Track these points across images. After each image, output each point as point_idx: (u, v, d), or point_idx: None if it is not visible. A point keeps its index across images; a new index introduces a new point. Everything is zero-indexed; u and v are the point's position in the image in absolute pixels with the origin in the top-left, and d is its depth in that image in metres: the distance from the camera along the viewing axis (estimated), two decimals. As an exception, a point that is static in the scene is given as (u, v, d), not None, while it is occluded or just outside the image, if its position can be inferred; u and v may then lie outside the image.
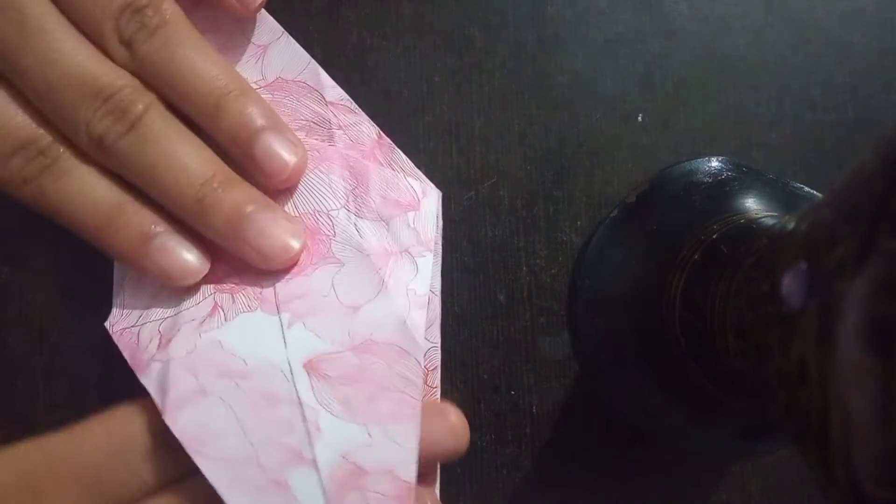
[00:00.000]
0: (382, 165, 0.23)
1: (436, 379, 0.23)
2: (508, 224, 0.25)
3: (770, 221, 0.21)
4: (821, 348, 0.12)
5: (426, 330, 0.22)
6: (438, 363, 0.23)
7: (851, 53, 0.26)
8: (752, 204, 0.23)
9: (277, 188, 0.22)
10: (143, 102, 0.20)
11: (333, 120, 0.23)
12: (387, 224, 0.23)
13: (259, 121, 0.21)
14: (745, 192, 0.24)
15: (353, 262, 0.22)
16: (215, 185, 0.20)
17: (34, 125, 0.20)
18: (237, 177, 0.21)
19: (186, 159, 0.20)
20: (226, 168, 0.21)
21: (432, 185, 0.24)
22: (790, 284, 0.14)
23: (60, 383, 0.24)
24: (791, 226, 0.15)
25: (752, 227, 0.21)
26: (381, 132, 0.24)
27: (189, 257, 0.21)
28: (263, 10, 0.23)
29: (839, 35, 0.26)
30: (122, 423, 0.19)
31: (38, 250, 0.24)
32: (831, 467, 0.12)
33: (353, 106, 0.24)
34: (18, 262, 0.24)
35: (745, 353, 0.17)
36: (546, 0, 0.25)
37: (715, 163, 0.25)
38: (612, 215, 0.25)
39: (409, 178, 0.23)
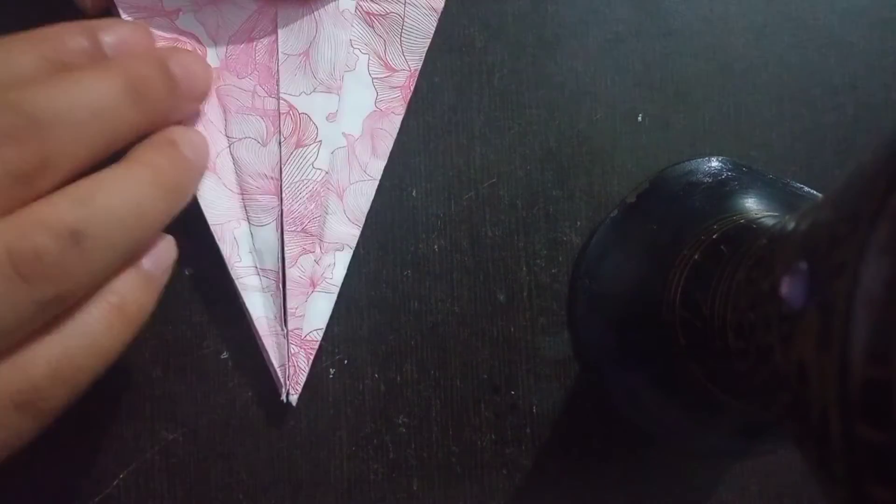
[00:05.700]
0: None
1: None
2: (508, 224, 0.25)
3: (770, 221, 0.21)
4: (821, 348, 0.12)
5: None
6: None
7: (851, 53, 0.26)
8: (752, 204, 0.23)
9: None
10: None
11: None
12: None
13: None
14: (745, 192, 0.24)
15: None
16: None
17: None
18: None
19: None
20: None
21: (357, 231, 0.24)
22: (790, 284, 0.14)
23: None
24: (791, 226, 0.15)
25: (752, 227, 0.21)
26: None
27: None
28: None
29: (839, 35, 0.26)
30: None
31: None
32: (831, 467, 0.12)
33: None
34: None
35: (745, 353, 0.17)
36: (546, 0, 0.25)
37: (715, 163, 0.25)
38: (612, 215, 0.25)
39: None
